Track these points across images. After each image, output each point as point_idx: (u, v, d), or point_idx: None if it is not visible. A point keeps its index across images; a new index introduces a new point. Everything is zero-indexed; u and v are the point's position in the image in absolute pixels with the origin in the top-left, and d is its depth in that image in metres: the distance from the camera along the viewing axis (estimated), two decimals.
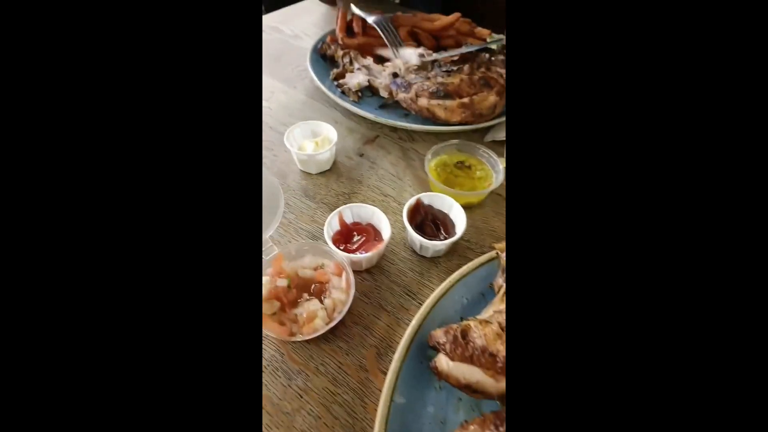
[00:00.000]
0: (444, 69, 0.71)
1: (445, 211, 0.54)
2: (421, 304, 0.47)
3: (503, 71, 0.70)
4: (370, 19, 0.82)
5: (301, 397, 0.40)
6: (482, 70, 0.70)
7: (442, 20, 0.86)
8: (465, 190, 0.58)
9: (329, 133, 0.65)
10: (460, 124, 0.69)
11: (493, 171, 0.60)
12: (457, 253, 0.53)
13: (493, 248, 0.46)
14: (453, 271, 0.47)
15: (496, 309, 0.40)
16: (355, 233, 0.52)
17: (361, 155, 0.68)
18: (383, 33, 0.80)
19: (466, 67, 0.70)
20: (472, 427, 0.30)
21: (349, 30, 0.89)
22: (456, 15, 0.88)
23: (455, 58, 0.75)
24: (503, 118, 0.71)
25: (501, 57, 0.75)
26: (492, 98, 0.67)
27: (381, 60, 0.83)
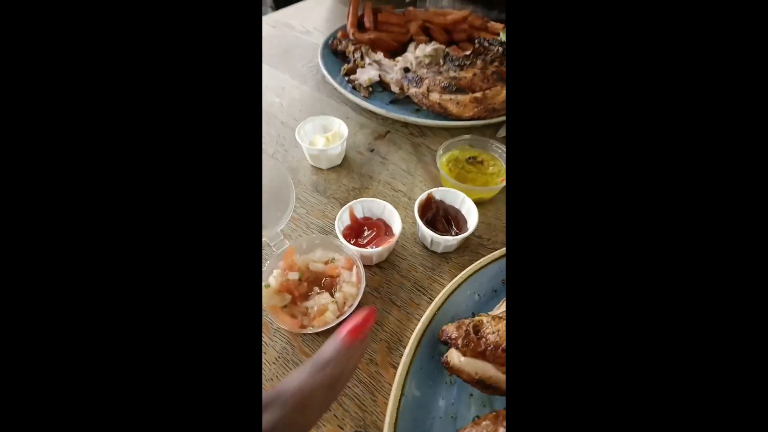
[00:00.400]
0: (456, 63, 0.70)
1: (457, 207, 0.53)
2: (431, 300, 0.46)
3: None
4: None
5: None
6: (495, 64, 0.69)
7: (454, 15, 0.85)
8: (477, 185, 0.57)
9: (340, 128, 0.65)
10: (472, 119, 0.68)
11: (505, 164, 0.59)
12: (469, 249, 0.52)
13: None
14: (464, 267, 0.46)
15: None
16: (365, 228, 0.52)
17: (372, 151, 0.68)
18: None
19: (479, 62, 0.69)
20: (484, 423, 0.30)
21: (360, 25, 0.89)
22: (468, 10, 0.86)
23: (468, 52, 0.74)
24: None
25: None
26: (505, 93, 0.66)
27: (393, 55, 0.83)
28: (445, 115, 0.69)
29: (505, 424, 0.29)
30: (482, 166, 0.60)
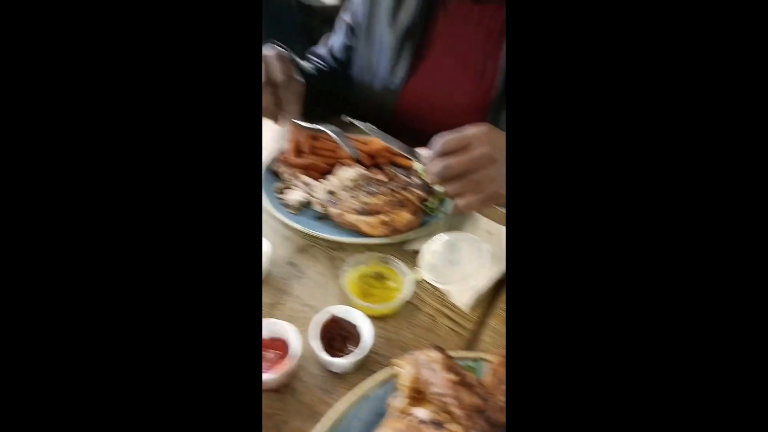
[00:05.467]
0: (369, 188, 0.83)
1: (354, 323, 0.58)
2: None
3: (421, 193, 0.83)
4: (328, 129, 0.91)
5: None
6: (402, 191, 0.82)
7: (373, 144, 1.02)
8: (378, 301, 0.63)
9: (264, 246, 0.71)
10: (381, 237, 0.78)
11: (404, 280, 0.66)
12: (365, 367, 0.56)
13: (394, 365, 0.50)
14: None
15: (388, 429, 0.42)
16: (270, 351, 0.54)
17: (292, 264, 0.74)
18: (341, 141, 0.90)
19: (386, 188, 0.82)
20: None
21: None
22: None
23: (379, 177, 0.87)
24: (419, 233, 0.80)
25: (419, 181, 0.88)
26: (407, 216, 0.78)
27: (323, 175, 0.95)
28: (358, 233, 0.78)
29: None
30: (385, 281, 0.67)
